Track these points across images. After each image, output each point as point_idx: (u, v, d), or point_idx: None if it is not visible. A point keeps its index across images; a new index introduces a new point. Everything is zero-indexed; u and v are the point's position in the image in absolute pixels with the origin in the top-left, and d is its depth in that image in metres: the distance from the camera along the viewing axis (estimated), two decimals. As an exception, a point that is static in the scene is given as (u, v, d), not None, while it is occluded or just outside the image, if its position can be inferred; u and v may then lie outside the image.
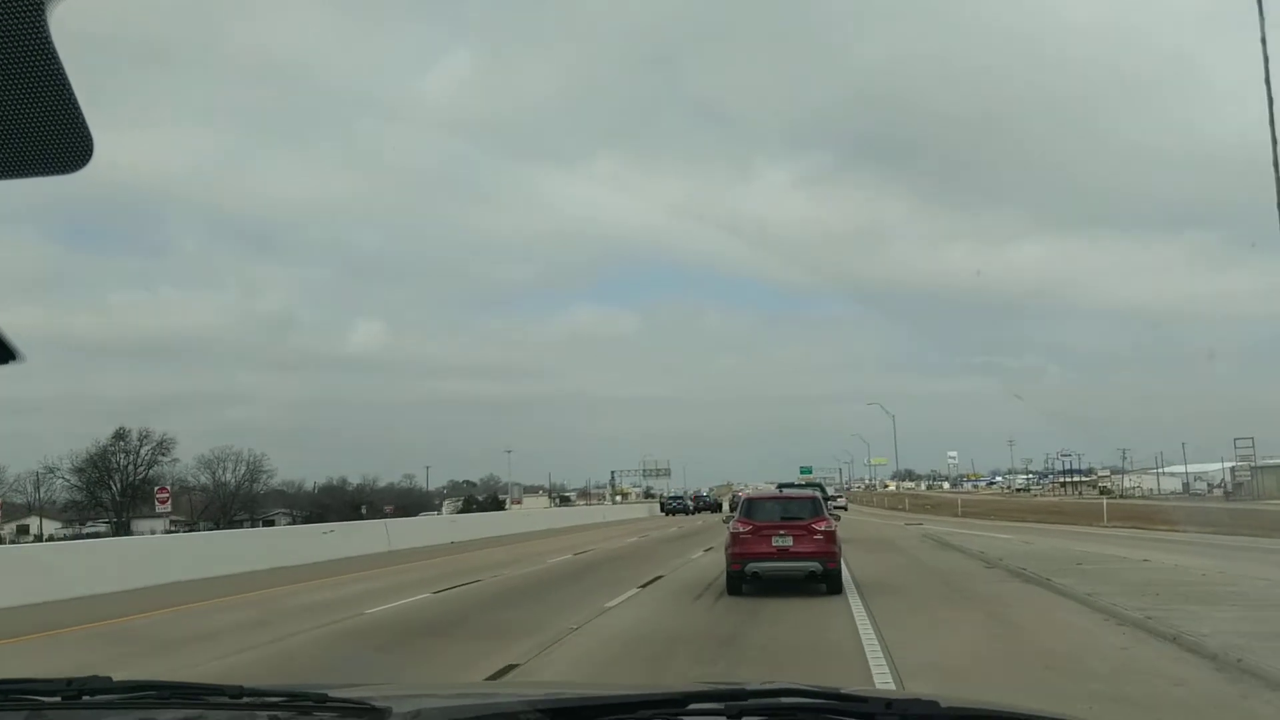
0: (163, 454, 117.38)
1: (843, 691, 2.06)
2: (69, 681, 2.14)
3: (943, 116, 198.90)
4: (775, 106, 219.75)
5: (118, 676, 2.20)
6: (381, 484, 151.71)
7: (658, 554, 29.22)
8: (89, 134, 1.31)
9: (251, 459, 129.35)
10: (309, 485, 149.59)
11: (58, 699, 2.12)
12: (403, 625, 14.43)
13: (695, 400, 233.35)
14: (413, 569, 24.92)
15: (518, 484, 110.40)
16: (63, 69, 1.22)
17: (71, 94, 1.25)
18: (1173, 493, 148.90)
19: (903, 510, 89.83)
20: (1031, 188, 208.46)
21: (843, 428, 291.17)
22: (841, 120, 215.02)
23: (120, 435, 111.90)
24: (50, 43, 1.20)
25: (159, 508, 60.01)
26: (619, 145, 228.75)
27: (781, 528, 17.25)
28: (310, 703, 2.07)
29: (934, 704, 1.92)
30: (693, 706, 1.97)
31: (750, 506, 18.58)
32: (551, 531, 47.59)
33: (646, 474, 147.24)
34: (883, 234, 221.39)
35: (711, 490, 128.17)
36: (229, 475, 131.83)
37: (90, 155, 1.32)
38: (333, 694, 2.11)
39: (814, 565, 16.98)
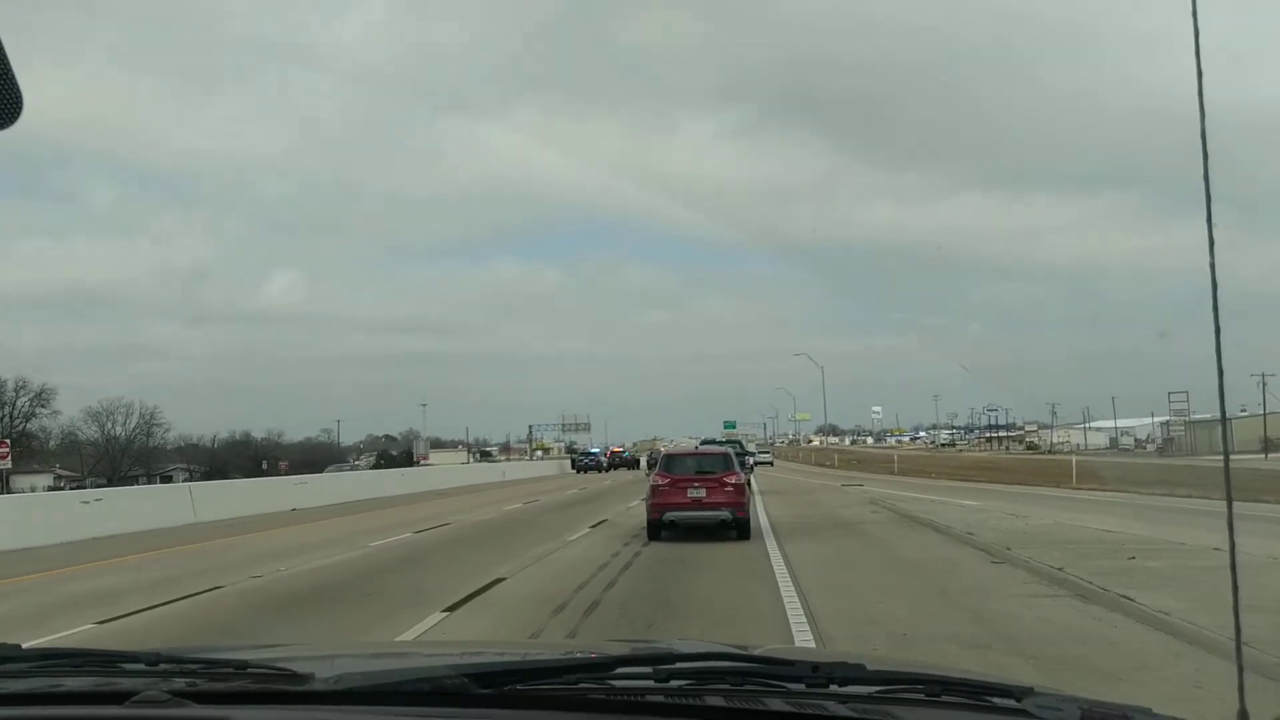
0: (42, 405, 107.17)
1: (770, 654, 2.14)
2: None
3: (865, 69, 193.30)
4: (701, 58, 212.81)
5: None
6: (295, 439, 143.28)
7: (529, 531, 21.65)
8: (18, 89, 1.26)
9: (144, 411, 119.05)
10: (209, 440, 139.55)
11: None
12: None
13: (620, 356, 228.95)
14: (147, 562, 17.09)
15: (424, 439, 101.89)
16: None
17: (0, 48, 1.20)
18: (1100, 448, 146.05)
19: (832, 467, 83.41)
20: (959, 144, 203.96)
21: (768, 384, 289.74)
22: (766, 74, 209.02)
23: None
24: None
25: (-1, 463, 51.81)
26: (541, 97, 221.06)
27: (696, 480, 18.74)
28: (230, 669, 2.00)
29: (860, 666, 1.93)
30: (620, 670, 1.94)
31: (669, 461, 20.13)
32: (431, 494, 39.93)
33: (565, 429, 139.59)
34: (807, 190, 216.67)
35: (634, 446, 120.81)
36: (118, 429, 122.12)
37: (20, 111, 1.27)
38: (252, 659, 2.06)
39: (725, 514, 18.54)
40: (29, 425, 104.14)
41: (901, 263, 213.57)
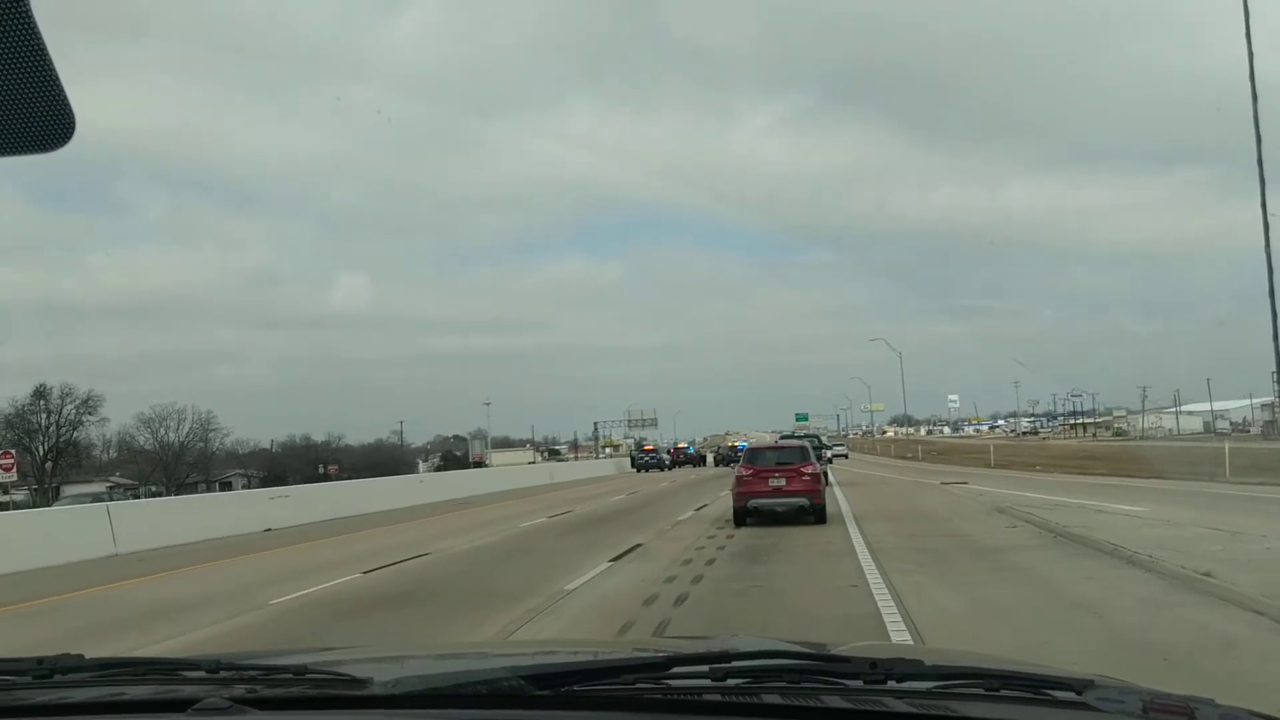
0: (89, 412, 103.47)
1: (829, 651, 2.14)
2: (39, 660, 2.07)
3: (931, 45, 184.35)
4: (757, 43, 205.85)
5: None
6: (367, 440, 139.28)
7: (505, 573, 15.17)
8: (71, 111, 1.25)
9: (198, 417, 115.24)
10: (265, 444, 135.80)
11: (28, 678, 2.02)
12: None
13: (688, 349, 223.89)
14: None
15: (481, 440, 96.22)
16: (44, 45, 1.17)
17: (53, 71, 1.21)
18: (1195, 433, 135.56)
19: (916, 459, 75.89)
20: (1023, 123, 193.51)
21: (838, 375, 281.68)
22: (824, 56, 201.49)
23: (40, 394, 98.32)
24: (31, 18, 1.14)
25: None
26: (597, 92, 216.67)
27: (776, 471, 20.50)
28: (289, 674, 2.03)
29: (918, 662, 1.91)
30: (677, 670, 1.92)
31: (752, 454, 22.25)
32: (450, 504, 33.72)
33: (632, 424, 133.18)
34: (869, 175, 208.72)
35: (702, 441, 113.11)
36: (171, 435, 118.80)
37: (72, 133, 1.27)
38: (311, 664, 2.09)
39: (803, 501, 20.10)
40: (75, 434, 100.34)
41: (967, 248, 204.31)
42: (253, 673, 1.99)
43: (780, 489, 20.05)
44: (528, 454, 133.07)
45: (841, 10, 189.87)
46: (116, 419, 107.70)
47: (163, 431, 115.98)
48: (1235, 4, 15.03)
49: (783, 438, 46.09)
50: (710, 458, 79.51)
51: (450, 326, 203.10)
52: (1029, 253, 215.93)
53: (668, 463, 70.80)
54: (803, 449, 21.89)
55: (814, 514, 19.94)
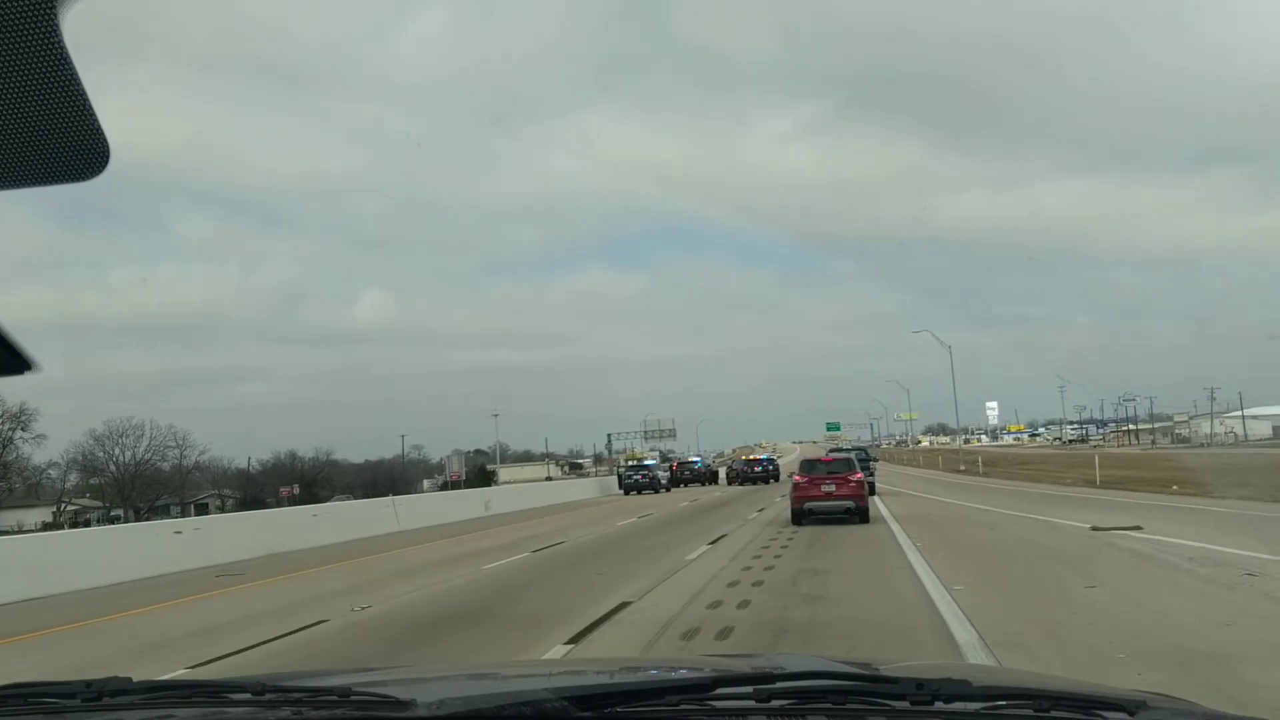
0: (20, 428, 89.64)
1: (875, 671, 2.09)
2: (88, 684, 2.06)
3: (957, 49, 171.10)
4: (778, 50, 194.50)
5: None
6: (381, 456, 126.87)
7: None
8: (105, 140, 1.24)
9: (155, 433, 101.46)
10: (246, 463, 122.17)
11: (76, 701, 2.03)
12: None
13: (716, 360, 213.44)
14: None
15: (455, 453, 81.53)
16: (77, 76, 1.17)
17: (87, 101, 1.20)
18: (1264, 438, 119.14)
19: (974, 473, 60.70)
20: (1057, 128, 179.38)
21: (871, 383, 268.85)
22: (845, 59, 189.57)
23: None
24: (64, 49, 1.14)
25: None
26: (614, 104, 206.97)
27: (827, 479, 23.67)
28: (334, 696, 2.01)
29: (965, 683, 1.86)
30: (721, 690, 1.89)
31: (807, 465, 24.72)
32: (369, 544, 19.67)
33: (649, 436, 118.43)
34: (899, 183, 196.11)
35: (733, 452, 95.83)
36: (128, 453, 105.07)
37: (107, 162, 1.25)
38: (356, 686, 2.06)
39: (849, 504, 23.10)
40: (3, 454, 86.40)
41: (1001, 254, 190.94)
42: (298, 694, 1.99)
43: (830, 494, 23.31)
44: (543, 468, 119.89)
45: (870, 18, 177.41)
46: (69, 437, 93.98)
47: (117, 450, 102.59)
48: None
49: (831, 450, 46.14)
50: (723, 474, 64.05)
51: (472, 341, 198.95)
52: (1065, 259, 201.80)
53: (665, 482, 54.51)
54: (849, 460, 25.20)
55: (858, 515, 23.02)
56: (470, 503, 37.06)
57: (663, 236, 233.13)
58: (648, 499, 45.54)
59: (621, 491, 51.28)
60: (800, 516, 23.07)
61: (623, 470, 52.84)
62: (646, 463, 54.03)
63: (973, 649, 8.14)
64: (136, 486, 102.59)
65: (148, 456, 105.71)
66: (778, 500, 34.08)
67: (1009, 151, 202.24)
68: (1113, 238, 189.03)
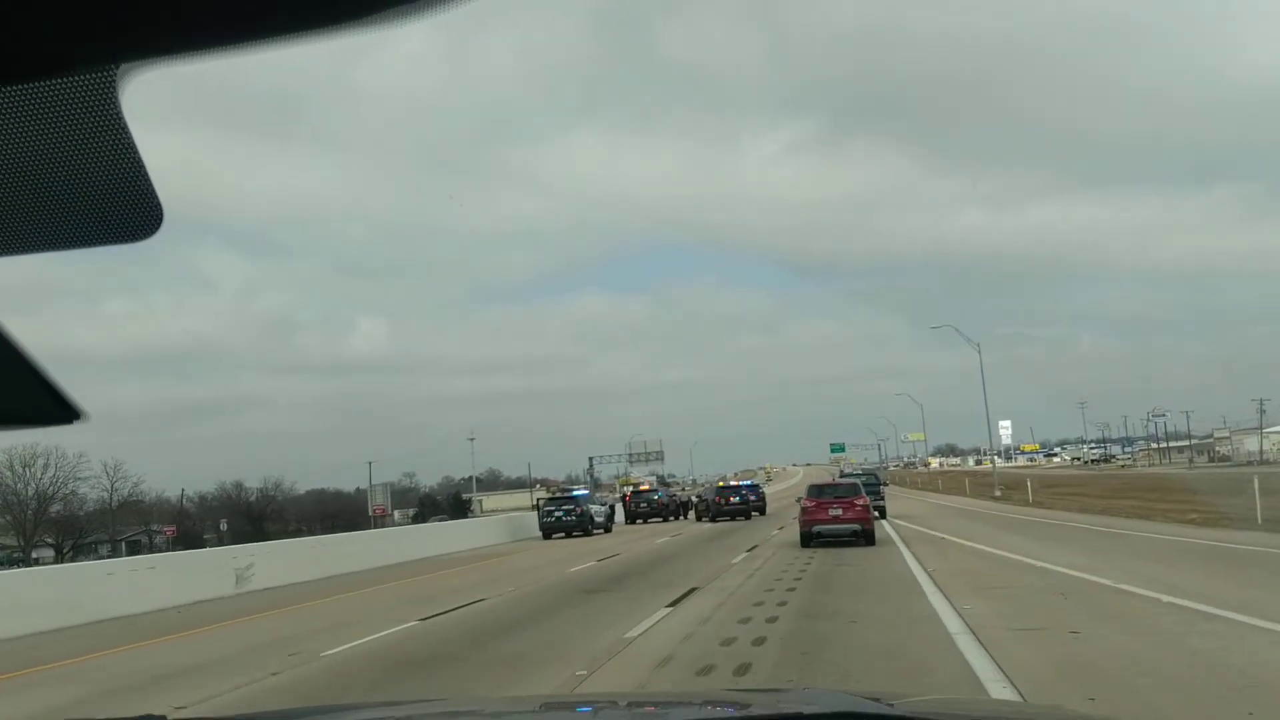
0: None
1: (899, 708, 2.02)
2: None
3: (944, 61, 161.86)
4: (769, 68, 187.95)
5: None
6: (349, 488, 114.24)
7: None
8: (159, 203, 1.24)
9: (60, 461, 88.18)
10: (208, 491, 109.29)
11: None
12: None
13: (710, 382, 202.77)
14: None
15: (383, 487, 67.57)
16: (134, 141, 1.15)
17: (142, 165, 1.19)
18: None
19: (1022, 501, 46.98)
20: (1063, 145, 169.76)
21: (873, 403, 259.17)
22: (835, 76, 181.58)
23: None
24: (122, 116, 1.11)
25: None
26: (607, 125, 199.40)
27: (834, 503, 24.26)
28: None
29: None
30: None
31: (815, 490, 25.42)
32: None
33: (633, 459, 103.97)
34: (900, 202, 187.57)
35: (733, 476, 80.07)
36: (31, 484, 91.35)
37: (160, 224, 1.25)
38: None
39: (855, 527, 23.66)
40: None
41: (1003, 271, 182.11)
42: None
43: (837, 517, 23.74)
44: (528, 497, 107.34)
45: (858, 30, 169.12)
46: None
47: (17, 481, 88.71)
48: None
49: (842, 475, 47.92)
50: (693, 506, 49.39)
51: (467, 366, 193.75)
52: (1071, 275, 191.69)
53: (603, 519, 38.71)
54: (854, 485, 26.45)
55: (864, 537, 23.44)
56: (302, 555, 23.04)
57: (654, 258, 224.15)
58: (559, 548, 31.48)
59: (541, 535, 36.90)
60: (809, 539, 23.52)
61: (543, 505, 37.86)
62: (576, 493, 39.07)
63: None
64: (43, 523, 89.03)
65: (52, 488, 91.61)
66: (760, 560, 20.97)
67: (1008, 168, 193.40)
68: (1122, 252, 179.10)
